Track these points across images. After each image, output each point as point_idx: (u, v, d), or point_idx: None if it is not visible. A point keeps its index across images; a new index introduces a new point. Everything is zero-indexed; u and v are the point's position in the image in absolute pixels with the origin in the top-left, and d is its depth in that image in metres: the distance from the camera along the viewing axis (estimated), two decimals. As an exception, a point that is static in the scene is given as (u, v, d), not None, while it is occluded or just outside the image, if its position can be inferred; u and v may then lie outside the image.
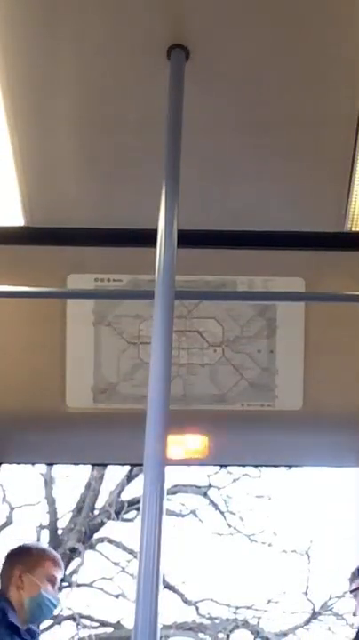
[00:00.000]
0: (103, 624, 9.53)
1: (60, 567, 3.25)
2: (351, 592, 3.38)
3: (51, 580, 3.14)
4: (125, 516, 9.77)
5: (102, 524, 9.71)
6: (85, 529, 9.55)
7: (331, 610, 9.67)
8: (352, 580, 3.31)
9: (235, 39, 2.06)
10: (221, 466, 8.87)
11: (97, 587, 9.69)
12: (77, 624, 9.41)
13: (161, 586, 1.50)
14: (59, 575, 3.20)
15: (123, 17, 2.01)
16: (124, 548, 9.72)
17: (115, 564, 9.74)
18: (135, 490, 9.62)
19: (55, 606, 3.17)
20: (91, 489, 9.66)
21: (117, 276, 2.80)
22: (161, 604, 1.47)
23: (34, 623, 3.18)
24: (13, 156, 2.38)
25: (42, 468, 9.55)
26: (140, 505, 1.56)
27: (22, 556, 3.17)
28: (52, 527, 9.64)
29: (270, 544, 9.80)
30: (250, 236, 2.69)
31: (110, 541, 9.79)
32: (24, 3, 1.99)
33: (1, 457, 3.17)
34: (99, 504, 9.75)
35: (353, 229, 2.63)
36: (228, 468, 9.42)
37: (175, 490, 9.77)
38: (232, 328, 2.81)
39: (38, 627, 3.26)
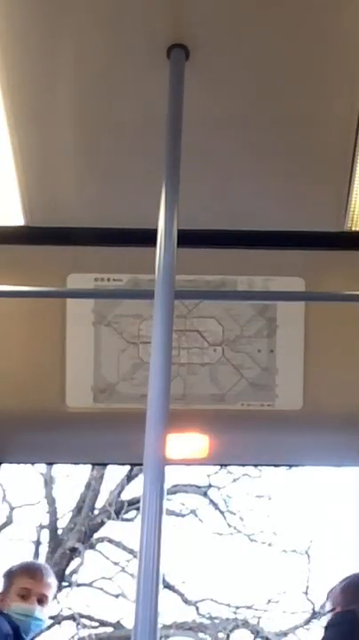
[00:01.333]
0: (103, 624, 9.53)
1: (32, 577, 3.15)
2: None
3: (22, 594, 3.10)
4: (125, 516, 9.77)
5: (102, 523, 9.71)
6: (85, 529, 9.56)
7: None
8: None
9: (235, 39, 2.06)
10: (221, 465, 8.88)
11: (97, 586, 9.69)
12: (77, 624, 9.42)
13: (161, 586, 1.49)
14: (32, 586, 3.12)
15: (123, 16, 2.01)
16: (124, 548, 9.72)
17: (115, 563, 9.75)
18: (135, 489, 9.63)
19: (28, 616, 3.09)
20: (91, 489, 9.66)
21: (117, 276, 2.79)
22: (161, 604, 1.47)
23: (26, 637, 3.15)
24: (13, 155, 2.38)
25: (42, 467, 9.56)
26: (140, 505, 1.56)
27: (3, 582, 3.19)
28: (52, 527, 9.64)
29: (270, 544, 9.80)
30: (250, 236, 2.69)
31: (110, 541, 9.80)
32: (24, 3, 1.99)
33: (1, 457, 3.17)
34: (99, 504, 9.75)
35: (353, 229, 2.63)
36: (228, 467, 9.43)
37: (175, 489, 9.77)
38: (232, 328, 2.81)
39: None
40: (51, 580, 3.21)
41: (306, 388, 2.83)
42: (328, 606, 3.02)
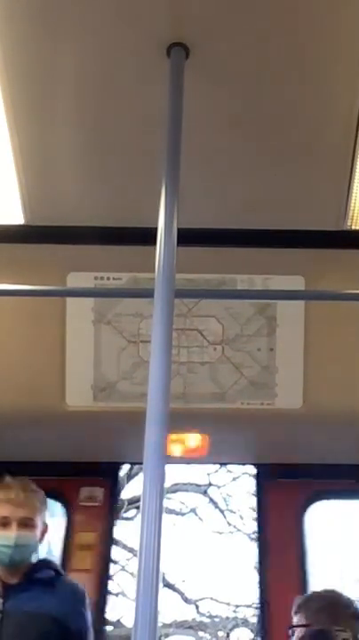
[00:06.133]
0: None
1: (6, 501, 2.67)
2: (289, 629, 2.85)
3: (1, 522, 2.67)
4: (125, 515, 9.77)
5: (102, 522, 9.70)
6: (85, 527, 9.55)
7: (330, 608, 9.67)
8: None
9: (234, 38, 2.06)
10: (221, 464, 8.88)
11: (97, 585, 9.68)
12: (77, 622, 9.41)
13: (160, 584, 1.50)
14: (6, 512, 2.66)
15: (124, 16, 2.01)
16: (124, 547, 9.73)
17: (115, 562, 9.76)
18: (135, 488, 9.63)
19: (4, 545, 2.64)
20: (91, 487, 9.66)
21: (117, 275, 2.80)
22: (161, 603, 1.47)
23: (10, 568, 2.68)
24: (13, 154, 2.38)
25: (42, 466, 9.55)
26: (140, 503, 1.56)
27: None
28: (52, 525, 9.64)
29: (270, 542, 9.79)
30: (249, 235, 2.69)
31: (110, 540, 9.79)
32: (24, 3, 1.99)
33: (0, 455, 3.17)
34: (99, 502, 9.74)
35: (352, 228, 2.63)
36: (228, 466, 9.43)
37: (175, 488, 9.77)
38: (232, 326, 2.81)
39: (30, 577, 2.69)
40: (35, 500, 2.70)
41: (305, 387, 2.83)
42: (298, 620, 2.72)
